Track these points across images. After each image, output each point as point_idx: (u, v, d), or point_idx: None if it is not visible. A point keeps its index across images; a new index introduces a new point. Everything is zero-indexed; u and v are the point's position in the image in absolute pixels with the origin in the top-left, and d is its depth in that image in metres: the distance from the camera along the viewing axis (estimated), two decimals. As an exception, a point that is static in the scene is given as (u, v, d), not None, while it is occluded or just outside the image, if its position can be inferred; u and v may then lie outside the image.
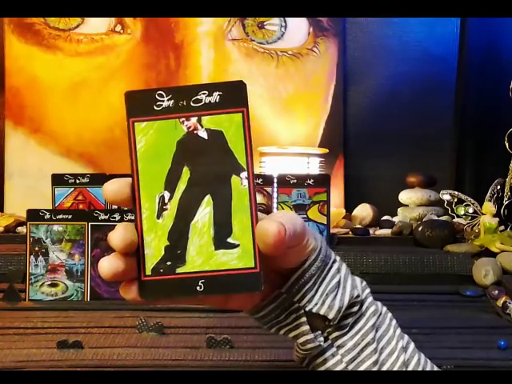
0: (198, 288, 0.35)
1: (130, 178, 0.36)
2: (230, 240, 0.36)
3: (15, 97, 1.49)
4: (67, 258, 0.84)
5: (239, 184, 0.36)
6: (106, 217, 0.85)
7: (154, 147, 0.36)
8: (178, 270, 0.35)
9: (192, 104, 0.36)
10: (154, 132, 0.36)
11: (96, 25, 1.49)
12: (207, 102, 0.36)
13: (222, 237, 0.36)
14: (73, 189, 1.04)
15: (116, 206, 1.01)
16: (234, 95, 0.36)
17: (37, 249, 0.84)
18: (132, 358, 0.64)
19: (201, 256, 0.36)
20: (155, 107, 0.36)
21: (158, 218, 0.36)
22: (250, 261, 0.35)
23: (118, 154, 1.46)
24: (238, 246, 0.36)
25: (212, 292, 0.36)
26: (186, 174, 0.36)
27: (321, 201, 1.02)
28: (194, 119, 0.36)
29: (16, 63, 1.49)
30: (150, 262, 0.35)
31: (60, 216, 0.85)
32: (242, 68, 1.51)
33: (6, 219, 1.22)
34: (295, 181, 1.02)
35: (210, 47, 1.50)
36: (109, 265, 0.35)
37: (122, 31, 1.50)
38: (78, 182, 1.04)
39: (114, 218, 0.84)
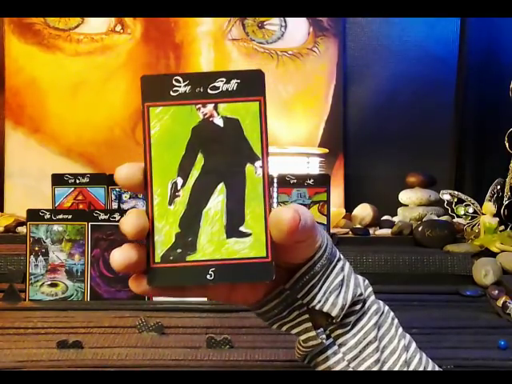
0: (208, 276, 0.34)
1: (143, 164, 0.35)
2: (242, 229, 0.35)
3: (15, 97, 1.49)
4: (67, 258, 0.84)
5: (253, 173, 0.35)
6: (106, 217, 0.84)
7: (168, 133, 0.35)
8: (189, 258, 0.35)
9: (209, 91, 0.36)
10: (169, 118, 0.35)
11: (96, 25, 1.49)
12: (224, 89, 0.36)
13: (234, 225, 0.35)
14: (73, 189, 1.04)
15: (116, 206, 1.01)
16: (251, 84, 0.36)
17: (37, 249, 0.84)
18: (132, 358, 0.64)
19: (212, 244, 0.35)
20: (171, 93, 0.35)
21: (170, 204, 0.35)
22: (261, 250, 0.35)
23: (118, 154, 1.47)
24: (250, 234, 0.35)
25: (222, 280, 0.35)
26: (199, 161, 0.35)
27: (321, 201, 1.02)
28: (210, 106, 0.36)
29: (16, 63, 1.49)
30: (160, 249, 0.35)
31: (60, 216, 0.85)
32: (242, 68, 1.51)
33: (6, 219, 1.22)
34: (295, 181, 1.02)
35: (209, 47, 1.50)
36: (120, 255, 0.34)
37: (122, 31, 1.50)
38: (78, 181, 1.04)
39: (114, 218, 0.84)
